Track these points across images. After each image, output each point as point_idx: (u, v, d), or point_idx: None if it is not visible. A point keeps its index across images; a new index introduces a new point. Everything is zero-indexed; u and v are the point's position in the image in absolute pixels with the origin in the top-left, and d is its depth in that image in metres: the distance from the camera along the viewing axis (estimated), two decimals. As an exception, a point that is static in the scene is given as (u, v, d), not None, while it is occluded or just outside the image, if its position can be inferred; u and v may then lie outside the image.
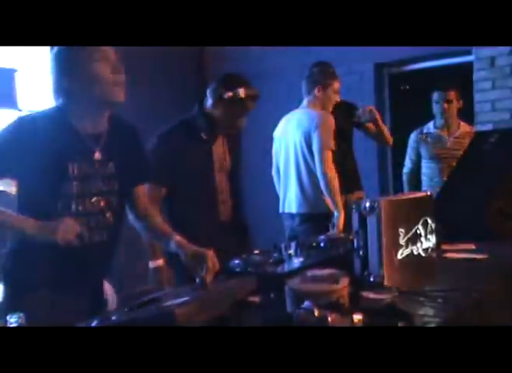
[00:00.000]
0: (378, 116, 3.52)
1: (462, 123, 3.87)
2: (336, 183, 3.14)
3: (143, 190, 1.95)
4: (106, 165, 1.76)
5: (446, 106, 3.77)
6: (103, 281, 1.94)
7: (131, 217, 1.96)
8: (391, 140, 3.76)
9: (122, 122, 1.84)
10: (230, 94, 2.35)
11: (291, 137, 3.32)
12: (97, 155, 1.74)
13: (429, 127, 3.90)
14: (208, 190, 2.51)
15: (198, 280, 1.70)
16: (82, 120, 1.71)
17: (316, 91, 3.31)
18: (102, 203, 1.76)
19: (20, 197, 1.74)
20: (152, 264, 2.41)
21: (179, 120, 2.51)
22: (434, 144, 3.84)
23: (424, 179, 3.91)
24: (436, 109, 3.83)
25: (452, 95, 3.77)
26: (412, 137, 3.95)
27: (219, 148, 2.58)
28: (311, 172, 3.22)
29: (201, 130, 2.46)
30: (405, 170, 4.03)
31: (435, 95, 3.82)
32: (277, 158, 3.49)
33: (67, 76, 1.67)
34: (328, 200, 3.15)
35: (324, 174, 3.13)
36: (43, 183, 1.66)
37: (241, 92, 2.35)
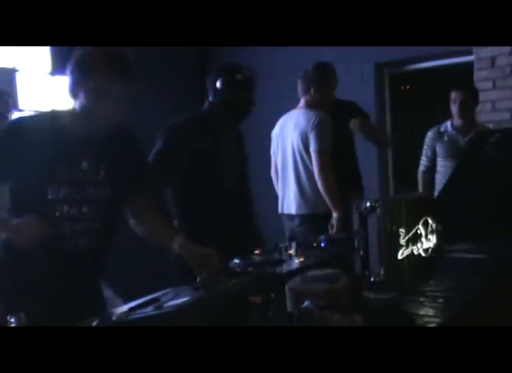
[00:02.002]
0: (360, 129, 3.49)
1: (478, 124, 3.80)
2: (333, 183, 3.12)
3: (142, 196, 1.92)
4: (98, 172, 1.74)
5: (462, 106, 3.68)
6: (96, 285, 1.90)
7: (131, 222, 1.94)
8: (387, 143, 3.76)
9: (119, 127, 1.80)
10: (240, 76, 2.55)
11: (288, 137, 3.30)
12: (88, 162, 1.72)
13: (447, 125, 3.82)
14: (212, 187, 2.54)
15: (198, 279, 1.70)
16: (76, 125, 1.70)
17: (312, 91, 3.30)
18: (91, 210, 1.73)
19: (11, 199, 1.73)
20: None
21: (190, 114, 2.56)
22: (449, 143, 3.79)
23: (438, 177, 3.85)
24: (452, 108, 3.74)
25: (468, 95, 3.69)
26: (429, 135, 3.87)
27: (229, 145, 2.62)
28: (309, 173, 3.20)
29: (215, 123, 2.52)
30: (421, 168, 3.94)
31: (452, 95, 3.72)
32: (275, 158, 3.48)
33: (74, 90, 1.66)
34: (327, 201, 3.14)
35: (321, 175, 3.12)
36: (31, 186, 1.66)
37: (245, 71, 2.57)
